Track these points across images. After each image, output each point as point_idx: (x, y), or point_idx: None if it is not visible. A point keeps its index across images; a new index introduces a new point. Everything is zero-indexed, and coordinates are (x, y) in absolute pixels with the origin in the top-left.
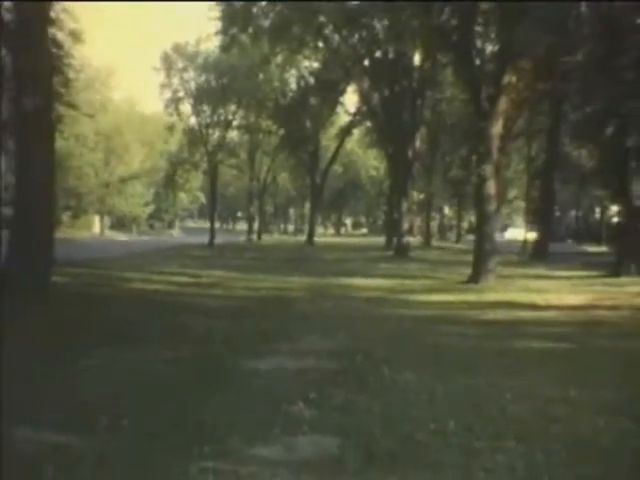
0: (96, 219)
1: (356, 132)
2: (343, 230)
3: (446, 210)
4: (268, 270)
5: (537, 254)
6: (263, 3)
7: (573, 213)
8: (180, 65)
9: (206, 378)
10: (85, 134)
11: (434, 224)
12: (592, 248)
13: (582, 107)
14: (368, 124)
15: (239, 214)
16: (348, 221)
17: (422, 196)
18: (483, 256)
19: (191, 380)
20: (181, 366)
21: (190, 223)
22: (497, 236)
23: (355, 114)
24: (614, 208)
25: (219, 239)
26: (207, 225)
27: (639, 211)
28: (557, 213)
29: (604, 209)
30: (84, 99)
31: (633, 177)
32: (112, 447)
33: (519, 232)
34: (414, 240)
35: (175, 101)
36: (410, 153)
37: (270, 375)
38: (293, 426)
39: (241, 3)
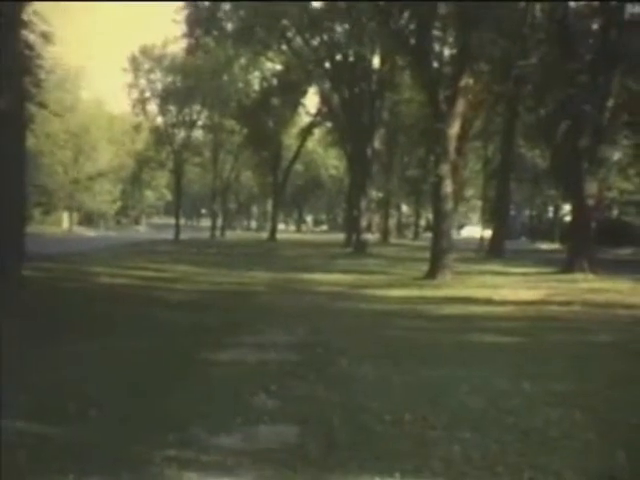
0: (65, 215)
1: (317, 132)
2: (304, 227)
3: (404, 208)
4: (231, 265)
5: (493, 251)
6: (227, 7)
7: (528, 212)
8: (147, 67)
9: (166, 368)
10: (55, 132)
11: (392, 222)
12: (546, 245)
13: (535, 109)
14: (329, 124)
15: (203, 211)
16: (309, 218)
17: (381, 194)
18: (440, 253)
19: (149, 370)
20: (142, 356)
21: (156, 219)
22: (454, 234)
23: (316, 115)
24: (567, 207)
25: (184, 235)
26: (173, 221)
27: (590, 210)
28: (512, 212)
29: (557, 208)
30: (54, 99)
31: (585, 177)
32: (59, 431)
33: (476, 230)
34: (373, 237)
35: (142, 101)
36: (369, 153)
37: (231, 366)
38: (253, 415)
39: (206, 7)
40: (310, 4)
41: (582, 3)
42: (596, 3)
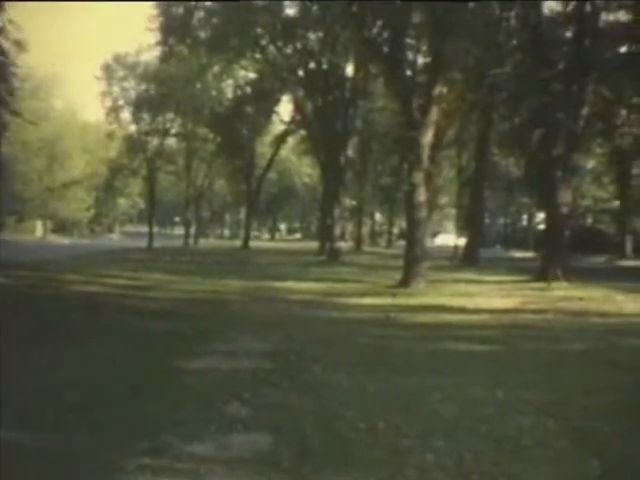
0: (39, 223)
1: (291, 140)
2: (278, 235)
3: (377, 216)
4: (204, 273)
5: (467, 259)
6: (201, 14)
7: (502, 220)
8: (121, 74)
9: (138, 376)
10: (29, 140)
11: (365, 230)
12: (520, 253)
13: (510, 117)
14: (302, 132)
15: (177, 219)
16: (283, 226)
17: (354, 202)
18: (413, 261)
19: (121, 378)
20: (114, 364)
21: (129, 227)
22: (428, 242)
23: (290, 123)
24: (541, 215)
25: (157, 243)
26: (146, 229)
27: (564, 218)
28: (486, 220)
29: (531, 216)
30: (28, 107)
31: (559, 185)
32: (33, 440)
33: (450, 238)
34: (346, 245)
35: (115, 109)
36: (342, 161)
37: (204, 374)
38: (226, 423)
39: (180, 15)
40: (284, 12)
41: (556, 11)
42: (570, 10)
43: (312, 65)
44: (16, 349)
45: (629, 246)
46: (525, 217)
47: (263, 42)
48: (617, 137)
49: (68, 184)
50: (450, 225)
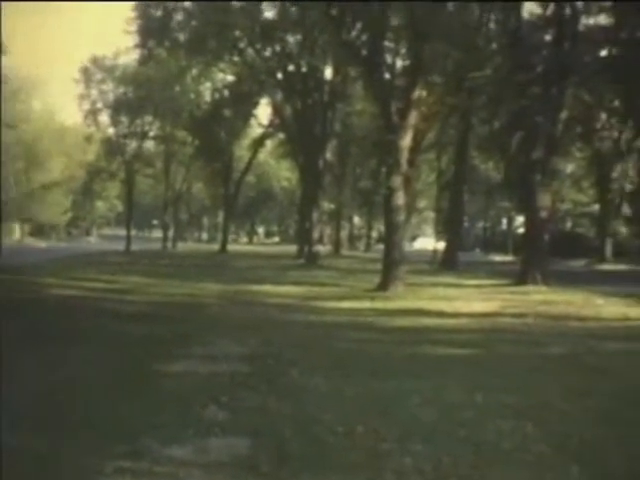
0: (16, 226)
1: (269, 143)
2: (256, 239)
3: (356, 220)
4: (182, 277)
5: (446, 263)
6: (180, 17)
7: (481, 224)
8: (99, 77)
9: (116, 379)
10: (8, 143)
11: (344, 233)
12: (499, 257)
13: (489, 121)
14: (281, 136)
15: (155, 222)
16: (261, 230)
17: (332, 206)
18: (392, 264)
19: (99, 381)
20: (91, 367)
21: (107, 230)
22: (407, 245)
23: (268, 126)
24: (520, 219)
25: (135, 246)
26: (124, 232)
27: (544, 222)
28: (466, 223)
29: (510, 220)
30: (7, 109)
31: (538, 189)
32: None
33: (429, 242)
34: (324, 249)
35: (94, 112)
36: (321, 164)
37: (183, 377)
38: (204, 427)
39: (158, 17)
40: (262, 14)
41: (536, 14)
42: (550, 14)
43: (291, 68)
44: None
45: (609, 250)
46: (504, 221)
47: (241, 45)
48: (596, 141)
49: (46, 187)
50: (429, 229)
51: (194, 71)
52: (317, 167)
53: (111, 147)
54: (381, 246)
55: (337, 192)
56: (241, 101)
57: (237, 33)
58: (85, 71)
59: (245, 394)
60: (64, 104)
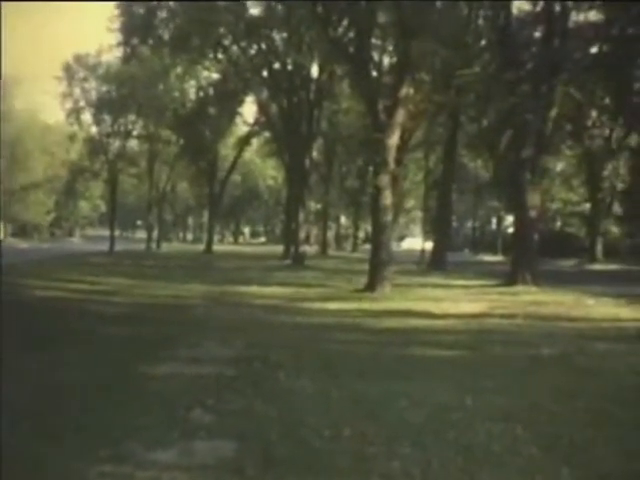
0: None
1: (255, 142)
2: (241, 239)
3: (343, 219)
4: (167, 278)
5: (434, 263)
6: (163, 15)
7: (470, 223)
8: (81, 75)
9: (100, 382)
10: None
11: (331, 233)
12: (488, 257)
13: (478, 119)
14: (266, 134)
15: (139, 222)
16: (246, 230)
17: (319, 206)
18: (379, 265)
19: (82, 384)
20: (75, 370)
21: (90, 231)
22: (394, 245)
23: (254, 124)
24: (510, 218)
25: (119, 247)
26: (107, 233)
27: (533, 221)
28: (454, 223)
29: (500, 219)
30: None
31: (527, 188)
32: None
33: (417, 242)
34: (311, 249)
35: (76, 111)
36: (307, 163)
37: (168, 379)
38: (190, 430)
39: (141, 15)
40: (248, 11)
41: (525, 10)
42: (540, 10)
43: (276, 66)
44: None
45: (599, 249)
46: (494, 220)
47: (226, 42)
48: (587, 139)
49: (28, 187)
50: (417, 229)
51: (178, 69)
52: (303, 166)
53: (94, 146)
54: (368, 246)
55: (324, 191)
56: (226, 99)
57: (222, 30)
58: (68, 69)
59: (231, 397)
60: (46, 102)
